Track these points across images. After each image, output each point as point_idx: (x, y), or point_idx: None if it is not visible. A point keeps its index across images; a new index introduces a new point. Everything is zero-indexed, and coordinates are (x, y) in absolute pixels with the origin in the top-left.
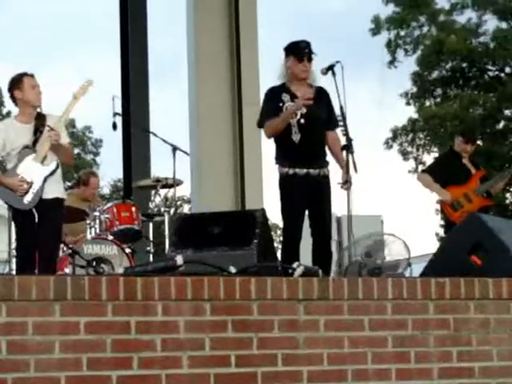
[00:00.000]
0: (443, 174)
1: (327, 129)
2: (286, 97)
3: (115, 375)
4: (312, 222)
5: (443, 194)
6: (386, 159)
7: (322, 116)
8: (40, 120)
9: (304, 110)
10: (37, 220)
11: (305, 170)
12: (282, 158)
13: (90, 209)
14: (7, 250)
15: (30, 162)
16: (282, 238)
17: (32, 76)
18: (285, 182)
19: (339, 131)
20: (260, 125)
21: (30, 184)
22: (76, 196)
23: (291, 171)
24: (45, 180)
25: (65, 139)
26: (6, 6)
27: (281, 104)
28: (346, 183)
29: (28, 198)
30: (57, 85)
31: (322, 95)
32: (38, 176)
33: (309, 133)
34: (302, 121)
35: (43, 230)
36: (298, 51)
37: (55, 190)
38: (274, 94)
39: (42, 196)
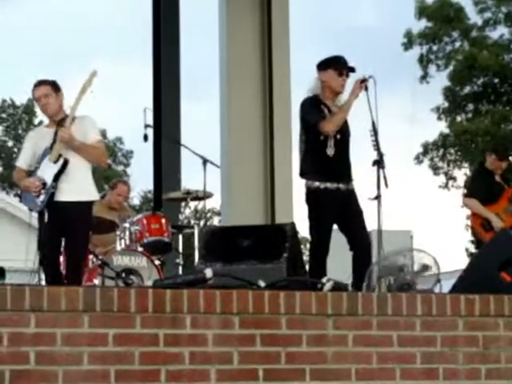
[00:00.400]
0: (480, 193)
1: None
2: (324, 109)
3: None
4: (350, 234)
5: (494, 219)
6: (416, 174)
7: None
8: (61, 122)
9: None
10: (46, 220)
11: (335, 185)
12: (312, 171)
13: (119, 219)
14: (35, 259)
15: (45, 163)
16: (310, 252)
17: (36, 86)
18: (315, 196)
19: (371, 145)
20: (313, 122)
21: (44, 184)
22: (101, 204)
23: (322, 185)
24: (55, 179)
25: (89, 138)
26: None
27: (322, 112)
28: (378, 198)
29: (41, 199)
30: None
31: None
32: (49, 175)
33: (342, 148)
34: (338, 136)
35: (67, 236)
36: (339, 65)
37: (68, 189)
38: (315, 103)
39: (57, 197)
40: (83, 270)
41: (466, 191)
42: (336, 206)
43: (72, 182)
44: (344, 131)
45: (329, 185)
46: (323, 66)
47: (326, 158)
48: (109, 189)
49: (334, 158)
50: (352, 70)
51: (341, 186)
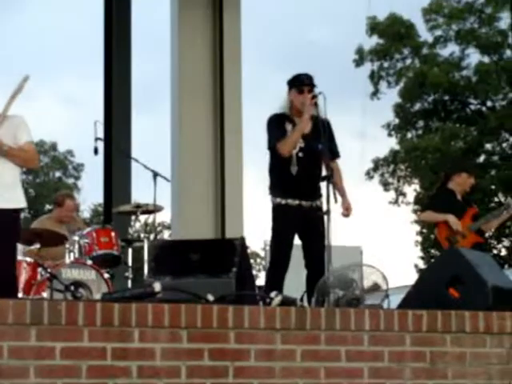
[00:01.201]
0: (441, 210)
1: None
2: (288, 125)
3: None
4: (306, 253)
5: (452, 219)
6: (366, 190)
7: (320, 149)
8: None
9: (302, 144)
10: None
11: (297, 202)
12: (275, 188)
13: (69, 231)
14: None
15: None
16: (268, 267)
17: None
18: (276, 213)
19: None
20: (271, 145)
21: None
22: (51, 219)
23: (283, 202)
24: None
25: (19, 140)
26: None
27: (285, 131)
28: (327, 213)
29: None
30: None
31: (323, 127)
32: None
33: (306, 166)
34: (301, 154)
35: None
36: (298, 83)
37: None
38: (279, 120)
39: None
40: (14, 280)
41: (423, 208)
42: (297, 222)
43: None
44: (308, 149)
45: (290, 201)
46: (288, 85)
47: (289, 175)
48: (55, 206)
49: (297, 175)
50: (312, 85)
51: (303, 202)
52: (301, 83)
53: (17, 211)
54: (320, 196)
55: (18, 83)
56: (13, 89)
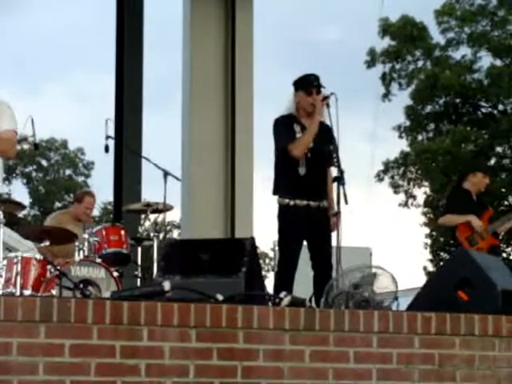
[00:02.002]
0: (460, 212)
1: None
2: (297, 127)
3: None
4: (313, 253)
5: (474, 220)
6: (376, 192)
7: (326, 151)
8: None
9: (311, 145)
10: None
11: (305, 202)
12: (283, 189)
13: (84, 229)
14: None
15: None
16: (276, 268)
17: None
18: (284, 213)
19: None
20: (281, 146)
21: None
22: (69, 215)
23: (292, 202)
24: None
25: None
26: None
27: (293, 132)
28: (337, 215)
29: None
30: (52, 107)
31: (328, 132)
32: None
33: (314, 167)
34: (309, 155)
35: None
36: (307, 85)
37: None
38: (287, 122)
39: None
40: None
41: (443, 211)
42: (305, 223)
43: None
44: (316, 151)
45: (298, 202)
46: (295, 87)
47: (297, 176)
48: (75, 201)
49: (305, 176)
50: (320, 87)
51: (311, 203)
52: (309, 84)
53: None
54: (326, 197)
55: None
56: None
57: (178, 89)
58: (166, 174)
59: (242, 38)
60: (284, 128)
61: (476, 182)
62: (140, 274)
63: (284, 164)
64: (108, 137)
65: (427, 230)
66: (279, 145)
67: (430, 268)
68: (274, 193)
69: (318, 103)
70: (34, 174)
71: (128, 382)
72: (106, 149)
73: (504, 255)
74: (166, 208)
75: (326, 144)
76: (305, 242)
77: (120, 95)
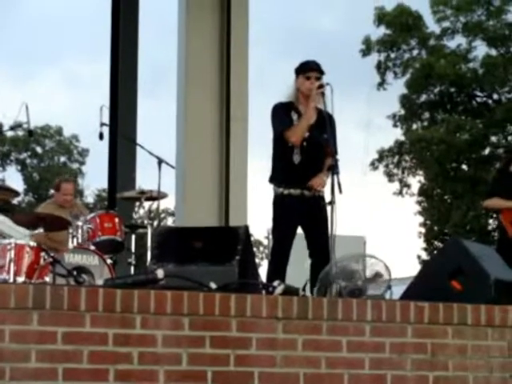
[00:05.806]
0: (507, 196)
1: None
2: (294, 115)
3: None
4: (310, 242)
5: None
6: (371, 180)
7: (322, 141)
8: None
9: (307, 134)
10: None
11: (299, 191)
12: (278, 178)
13: (71, 216)
14: None
15: None
16: (269, 257)
17: None
18: (278, 202)
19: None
20: (278, 133)
21: None
22: (52, 204)
23: (286, 191)
24: None
25: None
26: None
27: (291, 119)
28: (331, 203)
29: None
30: (47, 94)
31: (329, 121)
32: None
33: (309, 156)
34: (305, 144)
35: None
36: (306, 70)
37: None
38: (285, 109)
39: None
40: None
41: (486, 194)
42: (300, 212)
43: None
44: (312, 140)
45: (292, 191)
46: (295, 73)
47: (292, 164)
48: (54, 191)
49: (300, 164)
50: (319, 72)
51: (305, 192)
52: (309, 69)
53: None
54: None
55: None
56: None
57: (172, 76)
58: (160, 161)
59: (237, 26)
60: (281, 114)
61: None
62: (134, 262)
63: (280, 152)
64: (102, 124)
65: (421, 219)
66: (277, 130)
67: (424, 257)
68: (270, 181)
69: (314, 90)
70: (28, 160)
71: (121, 370)
72: (101, 136)
73: None
74: (160, 196)
75: (323, 133)
76: (300, 231)
77: (115, 82)
